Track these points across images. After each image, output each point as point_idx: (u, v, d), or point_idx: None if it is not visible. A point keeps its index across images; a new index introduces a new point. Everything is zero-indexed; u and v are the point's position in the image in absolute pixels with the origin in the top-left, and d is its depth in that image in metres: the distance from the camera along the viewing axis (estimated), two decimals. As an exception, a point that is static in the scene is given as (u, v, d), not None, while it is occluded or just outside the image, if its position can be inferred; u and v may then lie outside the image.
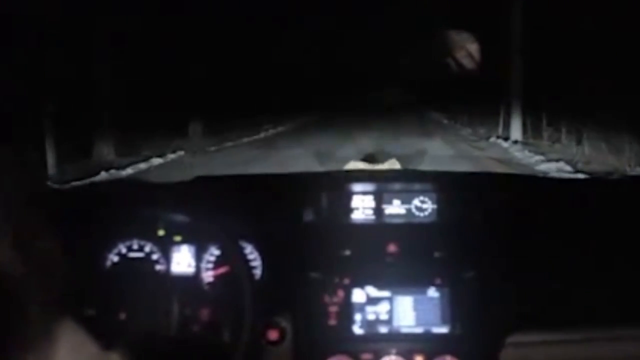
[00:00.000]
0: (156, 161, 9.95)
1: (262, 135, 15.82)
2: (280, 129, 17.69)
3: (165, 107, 12.44)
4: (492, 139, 12.62)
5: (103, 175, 7.98)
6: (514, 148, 10.83)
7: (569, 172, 7.69)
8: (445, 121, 19.87)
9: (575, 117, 10.13)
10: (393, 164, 6.69)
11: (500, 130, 13.19)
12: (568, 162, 8.50)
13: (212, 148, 12.43)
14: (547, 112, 11.52)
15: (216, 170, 8.86)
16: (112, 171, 8.46)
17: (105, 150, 10.34)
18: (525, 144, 11.21)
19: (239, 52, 15.85)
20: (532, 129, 12.20)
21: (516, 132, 12.07)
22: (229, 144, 13.22)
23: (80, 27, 9.82)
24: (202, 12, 13.31)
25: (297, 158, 10.28)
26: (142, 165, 9.39)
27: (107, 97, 10.47)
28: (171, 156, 10.67)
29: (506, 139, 12.04)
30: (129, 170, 8.85)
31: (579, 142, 9.75)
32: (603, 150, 8.76)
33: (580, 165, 8.32)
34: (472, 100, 16.88)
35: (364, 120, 18.82)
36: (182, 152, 11.17)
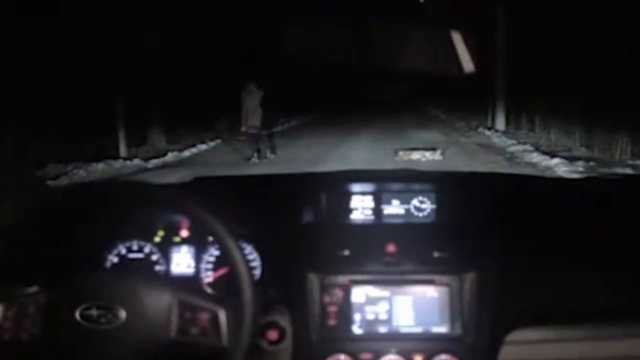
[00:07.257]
0: (202, 147, 12.21)
1: (279, 128, 18.13)
2: (293, 123, 20.07)
3: (199, 108, 14.79)
4: (480, 130, 14.91)
5: (169, 155, 10.26)
6: (494, 135, 13.32)
7: (531, 151, 9.98)
8: (443, 116, 22.05)
9: (546, 112, 12.48)
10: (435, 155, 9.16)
11: (489, 123, 15.48)
12: (533, 145, 10.77)
13: (242, 138, 14.64)
14: (526, 109, 13.89)
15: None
16: (176, 153, 10.75)
17: (158, 139, 12.61)
18: (504, 132, 13.53)
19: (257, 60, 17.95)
20: (515, 122, 14.56)
21: (500, 124, 14.48)
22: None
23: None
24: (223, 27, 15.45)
25: (315, 144, 12.31)
26: (194, 149, 11.67)
27: (159, 100, 12.74)
28: (212, 143, 12.93)
29: (491, 129, 14.35)
30: (186, 153, 11.14)
31: (547, 131, 12.10)
32: (562, 135, 11.13)
33: (543, 148, 10.58)
34: (466, 98, 19.09)
35: (370, 114, 20.89)
36: (219, 140, 13.45)
